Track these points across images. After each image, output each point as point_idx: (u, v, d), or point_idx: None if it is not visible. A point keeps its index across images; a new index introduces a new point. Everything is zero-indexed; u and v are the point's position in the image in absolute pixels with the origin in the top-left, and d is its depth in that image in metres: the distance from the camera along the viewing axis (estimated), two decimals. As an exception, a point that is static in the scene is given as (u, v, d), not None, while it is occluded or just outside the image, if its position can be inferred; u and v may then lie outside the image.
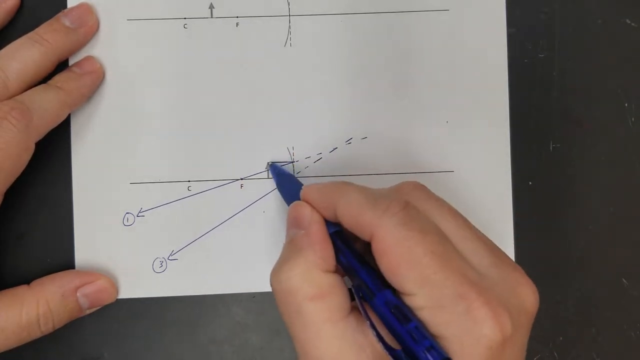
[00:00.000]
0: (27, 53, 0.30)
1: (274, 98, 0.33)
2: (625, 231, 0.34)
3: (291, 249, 0.26)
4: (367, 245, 0.25)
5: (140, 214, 0.33)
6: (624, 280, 0.34)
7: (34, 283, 0.31)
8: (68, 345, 0.33)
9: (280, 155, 0.33)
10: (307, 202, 0.28)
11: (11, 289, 0.30)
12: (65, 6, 0.33)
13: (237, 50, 0.33)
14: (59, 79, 0.31)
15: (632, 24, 0.34)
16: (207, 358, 0.33)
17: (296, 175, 0.33)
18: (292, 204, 0.28)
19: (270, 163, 0.33)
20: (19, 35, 0.31)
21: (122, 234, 0.33)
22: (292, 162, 0.33)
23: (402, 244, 0.23)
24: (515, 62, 0.34)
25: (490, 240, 0.26)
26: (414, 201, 0.25)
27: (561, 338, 0.34)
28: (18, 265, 0.33)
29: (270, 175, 0.33)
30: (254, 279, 0.33)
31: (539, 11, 0.34)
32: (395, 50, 0.34)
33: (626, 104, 0.34)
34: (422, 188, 0.27)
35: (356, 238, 0.26)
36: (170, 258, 0.33)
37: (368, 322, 0.23)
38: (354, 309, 0.25)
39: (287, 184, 0.31)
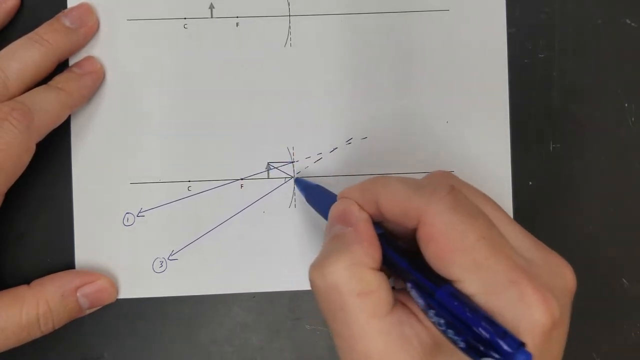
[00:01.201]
0: (27, 53, 0.30)
1: (274, 98, 0.33)
2: (625, 231, 0.34)
3: (336, 244, 0.25)
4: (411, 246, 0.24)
5: (140, 214, 0.33)
6: (624, 280, 0.34)
7: (34, 283, 0.31)
8: (68, 345, 0.33)
9: (280, 155, 0.33)
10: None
11: (11, 289, 0.30)
12: (65, 6, 0.33)
13: (237, 50, 0.33)
14: (59, 79, 0.31)
15: (632, 24, 0.34)
16: (207, 358, 0.33)
17: (296, 176, 0.33)
18: (338, 201, 0.27)
19: (295, 177, 0.33)
20: (19, 35, 0.31)
21: (122, 234, 0.33)
22: (292, 162, 0.33)
23: (453, 228, 0.22)
24: (515, 62, 0.34)
25: (520, 226, 0.25)
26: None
27: (561, 338, 0.34)
28: (18, 265, 0.33)
29: (271, 176, 0.33)
30: (254, 279, 0.33)
31: (539, 11, 0.34)
32: (396, 50, 0.34)
33: (626, 104, 0.34)
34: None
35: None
36: (170, 258, 0.33)
37: (432, 312, 0.22)
38: (398, 301, 0.24)
39: (318, 195, 0.31)
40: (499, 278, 0.22)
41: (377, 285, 0.24)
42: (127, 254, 0.33)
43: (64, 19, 0.32)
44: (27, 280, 0.31)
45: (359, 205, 0.26)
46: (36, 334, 0.30)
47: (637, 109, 0.34)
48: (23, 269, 0.33)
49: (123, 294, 0.33)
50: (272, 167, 0.33)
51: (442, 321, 0.22)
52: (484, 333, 0.21)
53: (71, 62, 0.33)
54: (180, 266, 0.33)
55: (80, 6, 0.32)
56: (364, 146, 0.34)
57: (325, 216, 0.29)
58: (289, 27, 0.34)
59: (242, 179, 0.33)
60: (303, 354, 0.33)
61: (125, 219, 0.33)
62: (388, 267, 0.25)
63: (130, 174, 0.33)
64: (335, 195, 0.29)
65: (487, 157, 0.34)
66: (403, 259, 0.25)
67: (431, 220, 0.23)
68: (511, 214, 0.34)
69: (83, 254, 0.33)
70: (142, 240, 0.33)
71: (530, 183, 0.34)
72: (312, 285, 0.25)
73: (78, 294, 0.31)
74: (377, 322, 0.23)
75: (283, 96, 0.34)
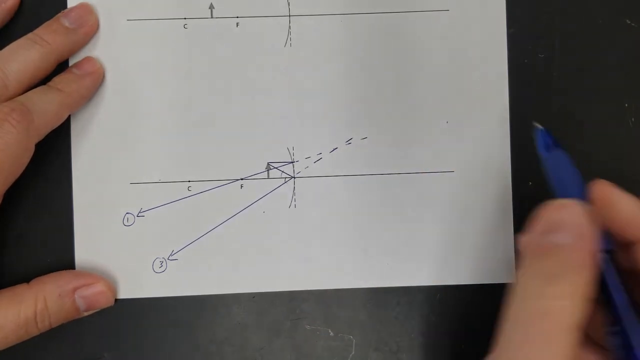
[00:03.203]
0: (27, 54, 0.30)
1: (274, 98, 0.33)
2: (625, 231, 0.34)
3: (560, 261, 0.22)
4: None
5: (140, 214, 0.33)
6: (624, 280, 0.34)
7: (34, 281, 0.31)
8: (68, 345, 0.33)
9: (280, 155, 0.33)
10: (604, 203, 0.24)
11: (10, 287, 0.30)
12: (65, 6, 0.33)
13: (237, 50, 0.33)
14: (59, 80, 0.31)
15: (632, 24, 0.34)
16: (207, 358, 0.33)
17: (296, 176, 0.33)
18: (564, 202, 0.24)
19: (538, 128, 0.28)
20: (19, 35, 0.31)
21: (122, 234, 0.33)
22: (292, 162, 0.33)
23: None
24: (515, 62, 0.34)
25: None
26: None
27: (561, 338, 0.34)
28: (18, 265, 0.33)
29: (271, 176, 0.33)
30: (254, 279, 0.33)
31: (539, 11, 0.34)
32: (395, 50, 0.34)
33: (626, 104, 0.34)
34: None
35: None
36: (170, 258, 0.33)
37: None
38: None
39: (563, 167, 0.26)
40: None
41: (584, 321, 0.21)
42: (127, 254, 0.33)
43: (63, 19, 0.32)
44: (26, 280, 0.31)
45: (621, 218, 0.23)
46: (34, 331, 0.30)
47: (637, 109, 0.34)
48: (23, 269, 0.33)
49: (123, 294, 0.33)
50: (272, 167, 0.33)
51: None
52: None
53: (71, 62, 0.33)
54: (180, 266, 0.33)
55: (80, 6, 0.32)
56: (364, 146, 0.34)
57: (560, 194, 0.25)
58: (289, 27, 0.34)
59: (242, 179, 0.33)
60: (303, 354, 0.33)
61: (125, 219, 0.33)
62: (601, 293, 0.22)
63: (130, 174, 0.33)
64: (579, 177, 0.26)
65: (487, 157, 0.34)
66: (621, 293, 0.22)
67: None
68: (511, 214, 0.34)
69: (83, 254, 0.33)
70: (142, 240, 0.33)
71: (530, 183, 0.34)
72: (515, 295, 0.22)
73: (76, 295, 0.31)
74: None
75: (283, 96, 0.34)
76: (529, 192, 0.34)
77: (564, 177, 0.26)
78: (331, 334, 0.33)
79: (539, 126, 0.28)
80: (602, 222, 0.23)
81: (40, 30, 0.31)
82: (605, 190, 0.24)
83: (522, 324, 0.22)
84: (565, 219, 0.23)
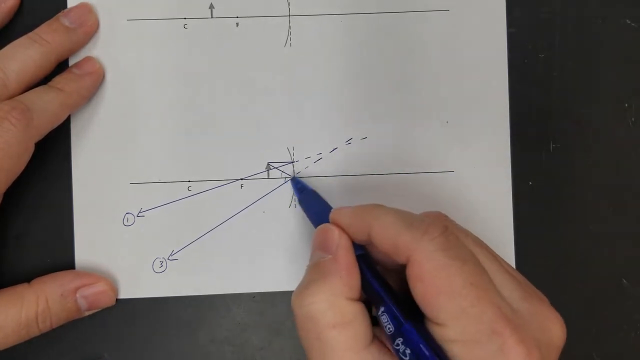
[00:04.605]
0: (27, 53, 0.30)
1: (274, 98, 0.33)
2: (625, 231, 0.34)
3: (316, 273, 0.25)
4: (390, 269, 0.24)
5: (140, 214, 0.33)
6: (624, 280, 0.34)
7: (35, 281, 0.31)
8: (68, 345, 0.33)
9: (280, 155, 0.33)
10: (336, 224, 0.27)
11: (11, 287, 0.30)
12: (65, 6, 0.33)
13: (237, 50, 0.33)
14: (59, 80, 0.31)
15: (632, 24, 0.34)
16: (207, 358, 0.33)
17: (296, 176, 0.33)
18: (319, 227, 0.27)
19: (292, 177, 0.33)
20: (19, 35, 0.31)
21: (122, 234, 0.33)
22: (292, 162, 0.33)
23: (441, 271, 0.22)
24: (515, 62, 0.34)
25: (517, 272, 0.25)
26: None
27: (561, 338, 0.34)
28: (18, 265, 0.33)
29: (271, 176, 0.33)
30: (254, 279, 0.33)
31: (539, 11, 0.34)
32: (395, 50, 0.34)
33: (626, 104, 0.34)
34: (449, 218, 0.27)
35: (377, 262, 0.26)
36: (170, 258, 0.33)
37: (400, 341, 0.23)
38: (375, 337, 0.24)
39: (313, 201, 0.31)
40: (482, 327, 0.21)
41: (353, 316, 0.24)
42: (127, 254, 0.33)
43: (63, 19, 0.32)
44: (26, 280, 0.31)
45: (346, 229, 0.26)
46: (34, 332, 0.30)
47: (637, 109, 0.34)
48: (23, 269, 0.33)
49: (123, 294, 0.33)
50: (272, 167, 0.33)
51: (408, 351, 0.22)
52: None
53: (71, 62, 0.33)
54: (180, 266, 0.33)
55: (80, 6, 0.32)
56: (364, 146, 0.34)
57: (315, 224, 0.29)
58: (289, 27, 0.34)
59: (242, 179, 0.33)
60: (303, 354, 0.33)
61: (125, 219, 0.33)
62: (365, 290, 0.25)
63: (130, 174, 0.33)
64: (329, 206, 0.29)
65: (487, 157, 0.34)
66: (379, 283, 0.25)
67: (420, 260, 0.23)
68: (511, 214, 0.34)
69: (83, 254, 0.33)
70: (142, 240, 0.33)
71: (530, 183, 0.34)
72: (293, 313, 0.25)
73: (77, 295, 0.31)
74: (353, 356, 0.23)
75: (283, 96, 0.34)
76: (529, 192, 0.34)
77: (318, 208, 0.30)
78: (331, 334, 0.33)
79: (292, 177, 0.33)
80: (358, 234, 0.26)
81: (40, 30, 0.31)
82: (334, 216, 0.27)
83: (299, 328, 0.25)
84: (325, 239, 0.26)
